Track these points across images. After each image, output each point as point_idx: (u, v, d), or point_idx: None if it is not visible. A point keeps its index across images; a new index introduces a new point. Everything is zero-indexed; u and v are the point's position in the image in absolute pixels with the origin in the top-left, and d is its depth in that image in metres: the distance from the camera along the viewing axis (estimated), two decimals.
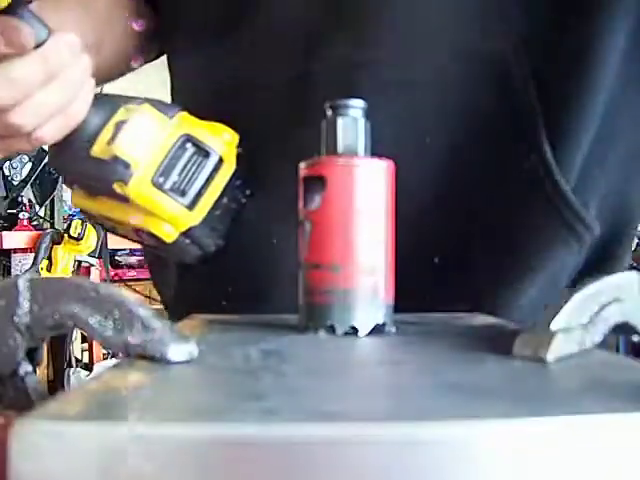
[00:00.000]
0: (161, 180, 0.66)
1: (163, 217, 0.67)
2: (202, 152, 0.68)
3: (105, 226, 0.75)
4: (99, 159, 0.65)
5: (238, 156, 0.71)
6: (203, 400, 0.33)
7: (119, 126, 0.65)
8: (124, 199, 0.66)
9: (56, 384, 3.17)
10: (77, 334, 3.13)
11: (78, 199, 0.72)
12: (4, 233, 3.22)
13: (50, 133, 0.63)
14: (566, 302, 0.42)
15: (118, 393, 0.33)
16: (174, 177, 0.67)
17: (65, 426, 0.28)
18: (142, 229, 0.69)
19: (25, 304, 0.42)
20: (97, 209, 0.71)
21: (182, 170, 0.67)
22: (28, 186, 3.51)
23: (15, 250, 3.22)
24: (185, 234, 0.69)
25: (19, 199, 3.46)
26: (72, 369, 3.21)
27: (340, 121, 0.54)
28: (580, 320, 0.42)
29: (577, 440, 0.28)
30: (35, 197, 3.59)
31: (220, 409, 0.31)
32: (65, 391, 0.34)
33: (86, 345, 3.35)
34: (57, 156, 0.69)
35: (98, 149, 0.66)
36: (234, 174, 0.70)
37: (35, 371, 0.44)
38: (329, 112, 0.55)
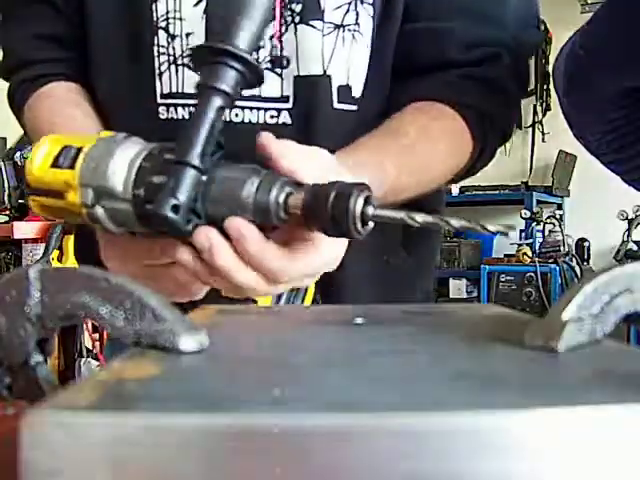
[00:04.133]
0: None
1: None
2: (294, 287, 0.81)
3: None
4: (232, 299, 0.76)
5: None
6: (214, 390, 0.33)
7: None
8: None
9: (67, 374, 3.19)
10: (88, 324, 3.14)
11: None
12: (15, 223, 3.22)
13: None
14: (577, 292, 0.41)
15: (129, 383, 0.34)
16: (283, 300, 0.81)
17: (76, 416, 0.28)
18: None
19: (36, 294, 0.42)
20: None
21: (288, 295, 0.81)
22: None
23: (26, 240, 3.23)
24: None
25: None
26: (83, 359, 3.22)
27: None
28: (591, 310, 0.42)
29: (588, 430, 0.28)
30: None
31: (231, 399, 0.31)
32: (76, 381, 0.34)
33: (97, 335, 3.36)
34: None
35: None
36: None
37: (46, 361, 0.44)
38: None
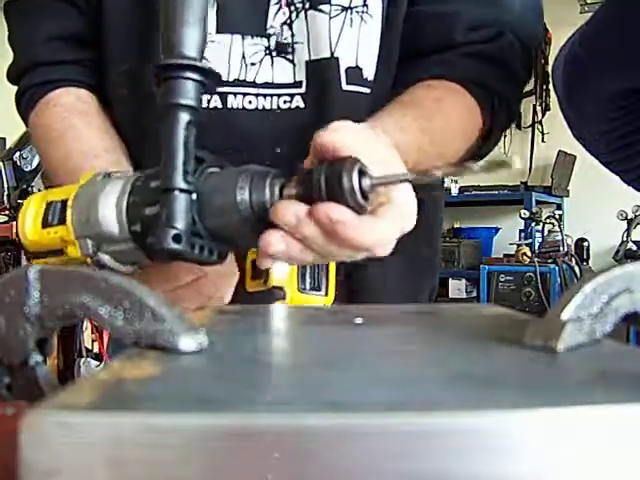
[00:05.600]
0: (302, 286, 0.84)
1: None
2: None
3: None
4: (259, 292, 0.83)
5: None
6: (213, 390, 0.33)
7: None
8: None
9: (66, 374, 3.18)
10: (87, 324, 3.14)
11: None
12: (15, 223, 3.21)
13: None
14: (577, 292, 0.42)
15: (128, 383, 0.34)
16: (308, 280, 0.84)
17: (75, 416, 0.28)
18: None
19: (35, 294, 0.42)
20: None
21: (311, 273, 0.85)
22: (38, 176, 3.51)
23: None
24: None
25: (29, 189, 3.46)
26: (82, 359, 3.22)
27: None
28: (590, 310, 0.42)
29: (587, 430, 0.28)
30: (45, 188, 3.59)
31: (230, 399, 0.31)
32: (75, 381, 0.34)
33: (96, 335, 3.36)
34: None
35: (249, 285, 0.83)
36: None
37: (45, 361, 0.44)
38: None
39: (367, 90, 0.95)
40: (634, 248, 4.25)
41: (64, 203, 0.69)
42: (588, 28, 1.03)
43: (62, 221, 0.69)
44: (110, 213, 0.66)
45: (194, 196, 0.62)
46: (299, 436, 0.27)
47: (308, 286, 0.85)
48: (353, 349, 0.45)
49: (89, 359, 3.23)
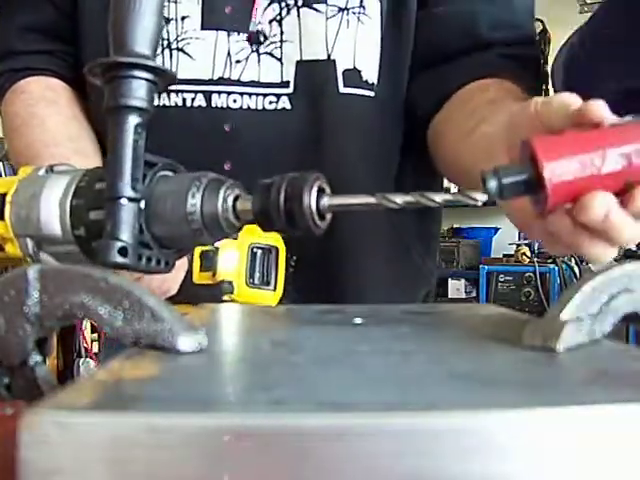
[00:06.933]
0: (251, 281, 0.85)
1: (262, 303, 0.86)
2: (266, 250, 0.87)
3: None
4: (206, 285, 0.84)
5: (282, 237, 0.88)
6: (213, 390, 0.33)
7: (206, 256, 0.86)
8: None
9: (66, 374, 3.19)
10: (87, 324, 3.14)
11: None
12: None
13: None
14: (576, 292, 0.42)
15: (128, 383, 0.34)
16: (257, 275, 0.86)
17: (75, 416, 0.28)
18: None
19: (35, 294, 0.42)
20: None
21: (260, 268, 0.86)
22: None
23: None
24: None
25: None
26: (82, 359, 3.22)
27: None
28: (590, 310, 0.42)
29: (586, 430, 0.28)
30: None
31: (230, 399, 0.31)
32: (75, 381, 0.34)
33: (96, 335, 3.36)
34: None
35: (197, 277, 0.84)
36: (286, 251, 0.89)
37: (45, 361, 0.44)
38: None
39: (369, 93, 0.93)
40: (634, 248, 4.25)
41: (2, 197, 0.65)
42: (587, 28, 1.03)
43: (0, 217, 0.65)
44: (53, 216, 0.62)
45: (142, 203, 0.58)
46: (298, 436, 0.27)
47: (257, 280, 0.86)
48: (352, 349, 0.45)
49: (88, 359, 3.23)
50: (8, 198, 0.64)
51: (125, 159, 0.58)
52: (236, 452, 0.27)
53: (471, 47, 0.94)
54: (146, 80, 0.59)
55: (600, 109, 0.55)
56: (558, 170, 0.50)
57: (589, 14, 1.04)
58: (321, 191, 0.54)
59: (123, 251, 0.56)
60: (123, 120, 0.59)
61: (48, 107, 0.94)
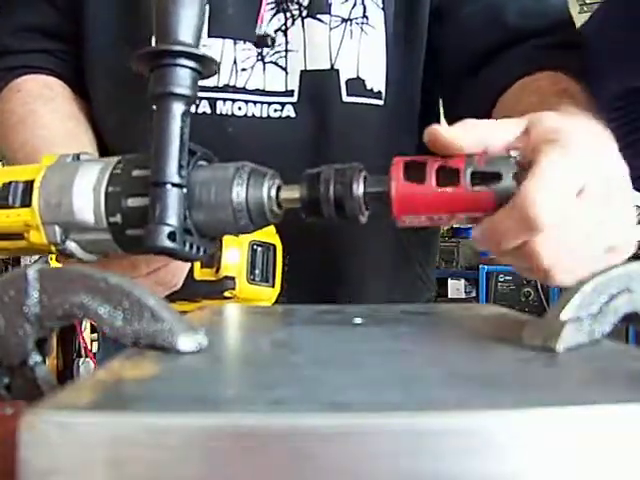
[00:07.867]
0: (251, 277, 0.85)
1: (261, 299, 0.87)
2: (265, 247, 0.87)
3: None
4: (208, 281, 0.83)
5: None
6: (213, 390, 0.33)
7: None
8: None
9: (66, 374, 3.19)
10: (86, 324, 3.14)
11: None
12: None
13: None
14: (576, 292, 0.42)
15: (128, 383, 0.34)
16: (257, 271, 0.86)
17: (75, 416, 0.28)
18: None
19: (34, 294, 0.42)
20: None
21: (260, 264, 0.86)
22: None
23: None
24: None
25: None
26: (81, 359, 3.22)
27: None
28: (590, 310, 0.42)
29: (586, 430, 0.28)
30: None
31: (230, 399, 0.31)
32: (75, 381, 0.34)
33: (96, 335, 3.36)
34: None
35: (198, 273, 0.83)
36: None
37: (44, 361, 0.44)
38: None
39: (377, 101, 0.93)
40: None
41: (29, 184, 0.64)
42: (587, 28, 1.03)
43: (26, 204, 0.64)
44: (87, 203, 0.62)
45: (185, 191, 0.59)
46: (298, 436, 0.27)
47: (257, 277, 0.86)
48: (352, 349, 0.45)
49: (88, 359, 3.23)
50: (37, 184, 0.64)
51: (172, 145, 0.59)
52: (236, 452, 0.27)
53: (502, 39, 0.92)
54: (191, 69, 0.59)
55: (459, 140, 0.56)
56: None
57: (589, 14, 1.04)
58: (366, 180, 0.56)
59: (172, 236, 0.57)
60: (169, 107, 0.59)
61: (45, 105, 0.94)
